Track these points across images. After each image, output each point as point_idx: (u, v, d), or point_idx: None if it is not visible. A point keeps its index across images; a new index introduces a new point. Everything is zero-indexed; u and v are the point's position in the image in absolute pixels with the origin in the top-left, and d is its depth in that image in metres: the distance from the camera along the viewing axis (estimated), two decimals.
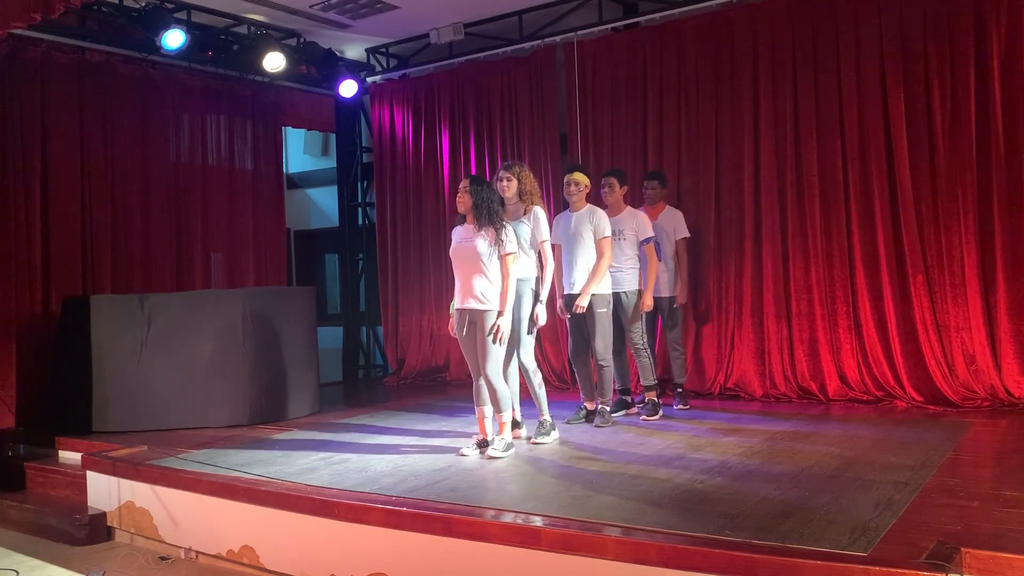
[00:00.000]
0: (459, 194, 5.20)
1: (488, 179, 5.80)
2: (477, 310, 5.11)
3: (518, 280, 5.30)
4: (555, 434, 5.56)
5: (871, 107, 6.57)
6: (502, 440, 5.17)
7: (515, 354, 5.55)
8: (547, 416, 5.58)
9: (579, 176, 5.98)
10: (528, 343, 5.51)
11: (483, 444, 5.26)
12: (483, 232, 5.09)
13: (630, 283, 6.18)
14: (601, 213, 5.96)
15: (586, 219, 5.92)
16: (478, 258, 5.07)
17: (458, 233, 5.25)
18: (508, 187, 5.52)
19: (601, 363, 5.97)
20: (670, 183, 7.35)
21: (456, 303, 5.26)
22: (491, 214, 5.09)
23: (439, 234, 8.97)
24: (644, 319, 6.29)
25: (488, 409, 5.27)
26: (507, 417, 5.20)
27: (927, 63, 6.37)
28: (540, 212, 5.55)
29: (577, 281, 5.94)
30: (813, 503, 3.86)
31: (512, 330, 5.27)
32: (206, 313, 6.80)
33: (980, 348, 6.19)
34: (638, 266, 6.25)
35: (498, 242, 5.07)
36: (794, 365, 6.90)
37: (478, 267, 5.08)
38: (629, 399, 6.56)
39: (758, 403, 6.90)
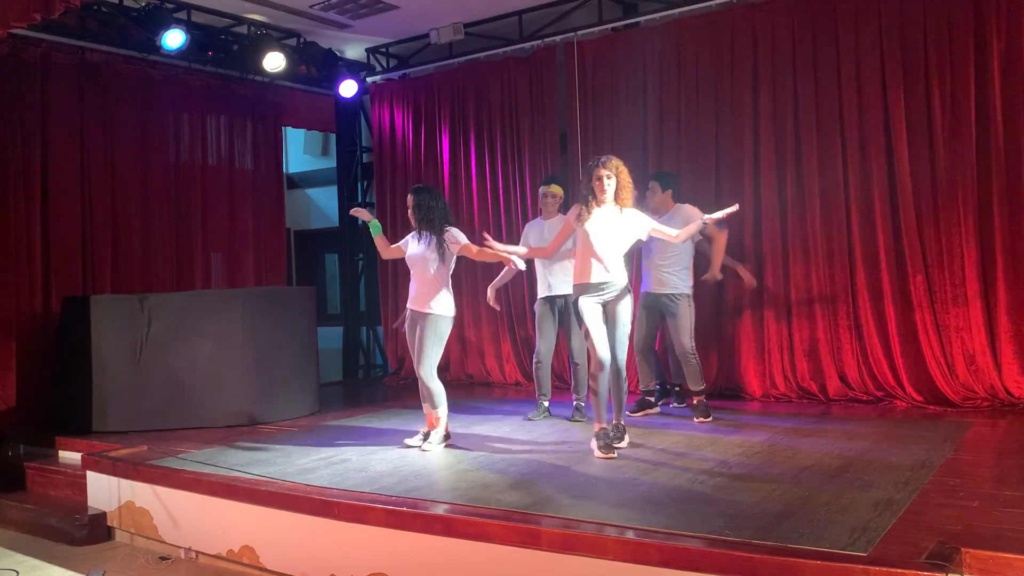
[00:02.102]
0: (409, 210, 5.47)
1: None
2: (421, 312, 5.39)
3: (615, 284, 5.09)
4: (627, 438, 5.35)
5: (871, 107, 6.57)
6: (437, 433, 5.49)
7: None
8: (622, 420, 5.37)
9: (556, 188, 6.41)
10: (625, 344, 5.20)
11: (428, 436, 5.55)
12: (429, 241, 5.38)
13: (678, 285, 6.11)
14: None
15: (558, 228, 6.09)
16: (425, 265, 5.38)
17: (412, 242, 5.52)
18: (609, 186, 5.05)
19: (576, 362, 6.26)
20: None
21: (409, 303, 5.51)
22: (433, 223, 5.37)
23: None
24: (694, 323, 6.21)
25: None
26: (442, 412, 5.47)
27: (927, 63, 6.37)
28: (636, 211, 5.24)
29: (555, 284, 6.24)
30: (813, 503, 3.86)
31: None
32: (206, 313, 6.80)
33: (980, 348, 6.19)
34: (688, 266, 6.22)
35: (440, 249, 5.35)
36: (794, 365, 6.90)
37: (426, 275, 5.39)
38: (652, 399, 6.48)
39: (758, 403, 6.90)
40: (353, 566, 4.19)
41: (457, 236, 5.40)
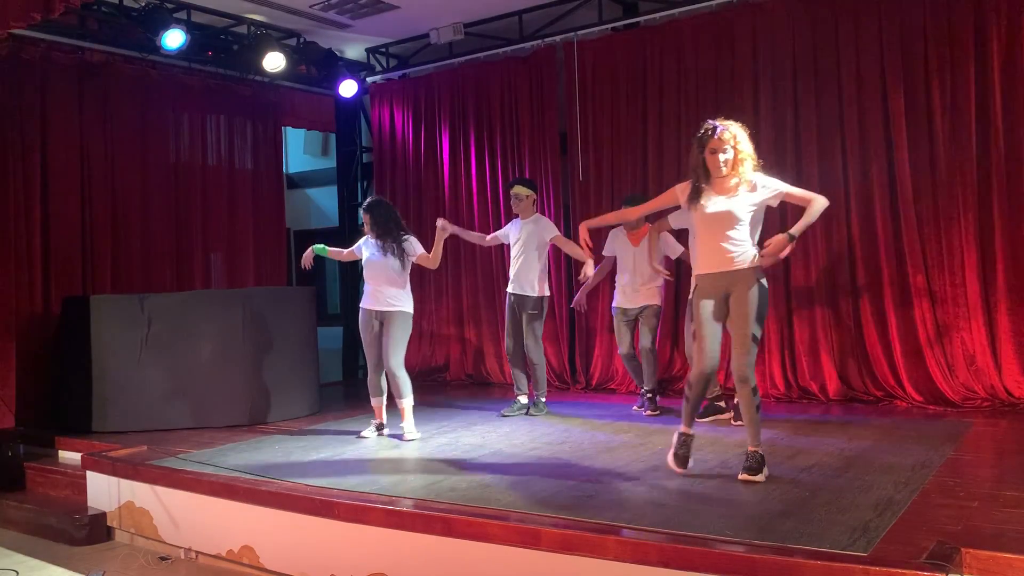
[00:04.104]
0: (365, 225, 5.92)
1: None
2: (386, 311, 5.81)
3: (734, 272, 4.27)
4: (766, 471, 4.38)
5: (871, 107, 6.57)
6: (410, 422, 5.86)
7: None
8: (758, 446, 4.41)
9: (519, 189, 6.60)
10: (753, 350, 4.30)
11: (380, 428, 5.99)
12: (389, 248, 5.80)
13: None
14: (545, 220, 6.64)
15: (533, 227, 6.54)
16: (388, 270, 5.81)
17: (369, 247, 5.93)
18: (726, 163, 4.30)
19: (533, 360, 6.59)
20: (669, 184, 7.38)
21: (365, 303, 5.91)
22: (392, 234, 5.83)
23: None
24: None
25: (384, 399, 5.95)
26: (408, 403, 5.84)
27: (927, 63, 6.37)
28: (759, 177, 4.37)
29: (515, 282, 6.55)
30: (813, 503, 3.86)
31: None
32: (206, 313, 6.80)
33: (980, 348, 6.19)
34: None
35: (401, 258, 5.81)
36: (794, 365, 6.90)
37: (389, 278, 5.83)
38: (723, 403, 6.15)
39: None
40: (353, 566, 4.19)
41: (416, 247, 5.90)
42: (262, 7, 7.78)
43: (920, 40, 6.39)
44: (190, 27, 7.66)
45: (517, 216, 6.69)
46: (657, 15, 7.63)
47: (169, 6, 7.52)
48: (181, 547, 4.99)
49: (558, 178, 8.25)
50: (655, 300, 6.43)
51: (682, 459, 4.50)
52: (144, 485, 5.21)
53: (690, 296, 4.57)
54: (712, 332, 4.34)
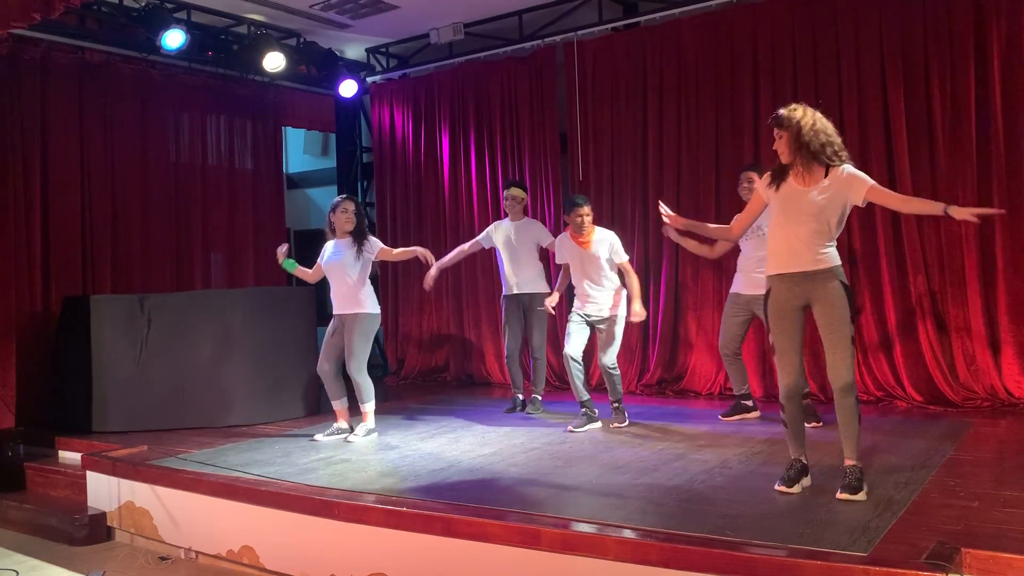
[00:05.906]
0: (345, 215, 5.87)
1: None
2: (346, 314, 5.83)
3: (811, 274, 3.90)
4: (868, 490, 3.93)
5: (871, 107, 6.57)
6: (364, 427, 5.89)
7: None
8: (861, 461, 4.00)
9: (518, 192, 6.72)
10: (852, 353, 3.87)
11: (342, 431, 5.97)
12: (354, 248, 5.84)
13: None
14: (538, 224, 6.82)
15: (525, 229, 6.68)
16: (349, 272, 5.82)
17: (330, 248, 5.95)
18: (783, 147, 3.93)
19: (536, 356, 6.71)
20: (669, 184, 7.41)
21: (334, 309, 5.93)
22: (363, 228, 5.93)
23: (439, 234, 8.98)
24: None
25: (344, 402, 5.98)
26: (369, 407, 5.88)
27: (927, 63, 6.37)
28: (844, 171, 3.88)
29: (520, 283, 6.62)
30: (813, 503, 3.86)
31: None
32: (206, 313, 6.80)
33: (980, 348, 6.19)
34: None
35: (361, 256, 5.82)
36: None
37: (350, 279, 5.82)
38: (750, 403, 6.12)
39: (758, 403, 6.87)
40: (353, 566, 4.19)
41: (376, 244, 5.93)
42: (262, 7, 7.78)
43: (920, 40, 6.39)
44: (190, 27, 7.66)
45: (504, 219, 6.79)
46: (657, 15, 7.63)
47: (169, 6, 7.52)
48: (181, 547, 4.99)
49: (558, 178, 8.25)
50: (617, 308, 5.87)
51: (788, 480, 4.04)
52: (144, 485, 5.20)
53: (763, 302, 4.14)
54: (791, 344, 3.97)
